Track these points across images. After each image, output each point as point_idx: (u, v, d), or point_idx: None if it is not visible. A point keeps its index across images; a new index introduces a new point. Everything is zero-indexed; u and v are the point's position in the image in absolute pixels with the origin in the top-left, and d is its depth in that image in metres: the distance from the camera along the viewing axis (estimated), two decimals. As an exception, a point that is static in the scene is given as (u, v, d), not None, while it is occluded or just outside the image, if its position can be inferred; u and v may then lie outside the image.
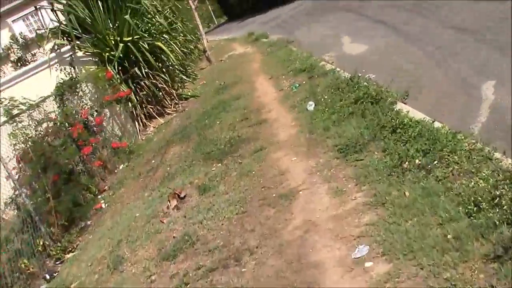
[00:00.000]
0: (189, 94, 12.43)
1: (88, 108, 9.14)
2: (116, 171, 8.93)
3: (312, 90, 7.64)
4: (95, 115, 9.41)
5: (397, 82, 6.65)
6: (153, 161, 8.15)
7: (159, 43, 11.26)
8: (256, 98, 9.17)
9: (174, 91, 12.07)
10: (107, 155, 8.87)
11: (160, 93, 11.77)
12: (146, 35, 11.17)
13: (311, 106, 6.78)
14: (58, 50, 10.47)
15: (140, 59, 10.77)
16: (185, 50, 16.76)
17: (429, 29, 8.98)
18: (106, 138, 9.64)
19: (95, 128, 9.00)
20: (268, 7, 28.21)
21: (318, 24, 15.68)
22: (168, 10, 16.49)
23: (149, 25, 11.70)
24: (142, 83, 11.25)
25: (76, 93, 9.40)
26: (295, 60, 10.79)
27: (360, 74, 6.95)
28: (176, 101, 11.95)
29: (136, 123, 11.04)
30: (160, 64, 12.01)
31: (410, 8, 11.56)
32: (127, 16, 10.51)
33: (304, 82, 8.64)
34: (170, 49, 11.99)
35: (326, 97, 6.82)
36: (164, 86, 11.76)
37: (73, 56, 9.97)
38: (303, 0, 23.91)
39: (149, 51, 11.06)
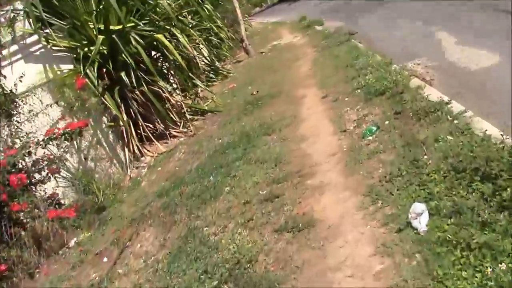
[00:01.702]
0: (206, 108, 8.69)
1: (18, 146, 5.47)
2: (61, 251, 5.37)
3: (412, 156, 3.68)
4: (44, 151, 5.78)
5: None
6: (105, 259, 4.55)
7: (158, 36, 7.52)
8: (300, 140, 5.34)
9: (183, 103, 8.40)
10: (48, 225, 5.29)
11: (167, 105, 8.17)
12: (141, 24, 7.46)
13: (420, 218, 2.84)
14: (23, 42, 7.03)
15: (128, 58, 7.11)
16: (215, 39, 13.04)
17: None
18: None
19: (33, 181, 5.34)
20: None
21: (393, 9, 11.48)
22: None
23: (150, 9, 7.97)
24: (138, 92, 7.68)
25: (13, 115, 5.84)
26: (364, 68, 6.84)
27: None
28: (188, 116, 8.25)
29: (126, 150, 7.52)
30: (166, 64, 8.37)
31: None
32: (112, -5, 6.86)
33: (387, 122, 4.71)
34: (178, 43, 8.24)
35: (454, 193, 2.89)
36: (168, 96, 8.12)
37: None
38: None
39: (144, 46, 7.41)
